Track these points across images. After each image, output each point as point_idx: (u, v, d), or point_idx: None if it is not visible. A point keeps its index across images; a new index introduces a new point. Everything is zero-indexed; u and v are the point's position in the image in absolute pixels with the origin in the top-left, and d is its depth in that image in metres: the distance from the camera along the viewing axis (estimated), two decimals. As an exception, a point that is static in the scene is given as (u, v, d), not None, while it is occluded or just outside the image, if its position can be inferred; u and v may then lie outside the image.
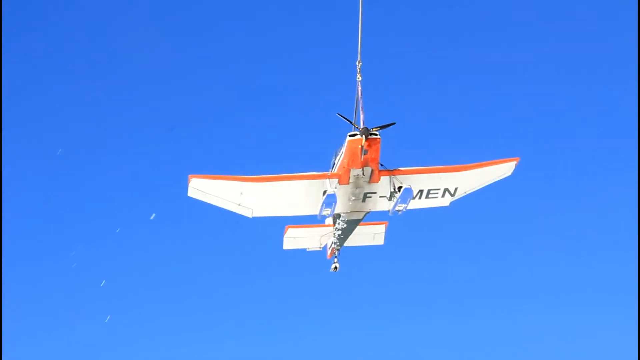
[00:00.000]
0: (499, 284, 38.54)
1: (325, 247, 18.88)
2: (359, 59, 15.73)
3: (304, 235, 18.78)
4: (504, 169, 16.26)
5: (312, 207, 15.48)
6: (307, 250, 19.27)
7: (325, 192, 14.69)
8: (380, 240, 18.93)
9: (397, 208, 15.37)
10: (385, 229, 18.68)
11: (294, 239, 18.92)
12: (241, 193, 15.19)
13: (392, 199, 15.27)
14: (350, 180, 14.77)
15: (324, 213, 15.30)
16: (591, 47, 50.26)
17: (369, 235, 18.63)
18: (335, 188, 14.60)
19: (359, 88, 15.55)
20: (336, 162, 15.03)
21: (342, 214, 16.16)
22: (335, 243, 17.67)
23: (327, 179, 14.84)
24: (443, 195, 15.83)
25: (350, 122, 14.34)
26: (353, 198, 15.44)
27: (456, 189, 15.85)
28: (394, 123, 14.07)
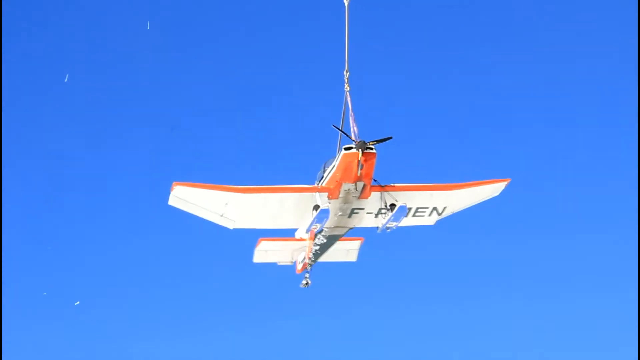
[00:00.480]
0: (471, 309, 36.74)
1: (294, 262, 18.21)
2: (346, 68, 15.41)
3: (276, 248, 17.88)
4: (494, 189, 15.97)
5: (298, 220, 15.01)
6: (278, 264, 18.41)
7: (316, 206, 13.99)
8: (353, 257, 18.22)
9: (388, 225, 14.92)
10: (360, 246, 18.02)
11: (266, 252, 18.00)
12: (226, 204, 14.51)
13: (384, 216, 14.81)
14: (340, 195, 14.19)
15: (312, 228, 14.77)
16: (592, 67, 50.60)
17: (343, 251, 17.78)
18: (329, 203, 13.99)
19: (348, 98, 15.12)
20: (326, 174, 14.38)
21: (324, 229, 15.46)
22: (310, 258, 16.90)
23: (317, 193, 14.14)
24: (430, 214, 15.48)
25: (346, 135, 13.87)
26: (340, 213, 14.88)
27: (445, 208, 15.45)
28: (391, 137, 13.47)
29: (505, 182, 15.85)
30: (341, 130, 14.01)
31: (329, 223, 14.89)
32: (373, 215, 14.94)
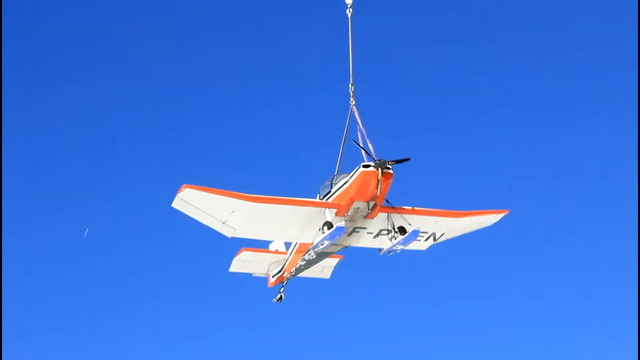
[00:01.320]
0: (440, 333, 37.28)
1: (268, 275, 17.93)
2: (351, 81, 15.17)
3: (256, 260, 17.51)
4: (490, 219, 15.82)
5: (300, 234, 14.47)
6: (253, 275, 17.99)
7: (328, 223, 13.35)
8: (327, 274, 17.72)
9: (395, 247, 14.34)
10: (337, 264, 17.63)
11: (244, 262, 17.61)
12: (233, 211, 13.64)
13: (389, 237, 14.40)
14: (349, 213, 13.59)
15: (321, 245, 14.07)
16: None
17: (319, 268, 17.11)
18: (342, 221, 13.50)
19: (355, 112, 14.96)
20: (334, 190, 13.86)
21: (319, 245, 14.46)
22: (290, 272, 16.54)
23: (327, 209, 13.56)
24: (427, 239, 15.19)
25: (367, 152, 13.46)
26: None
27: (443, 234, 15.22)
28: (409, 159, 13.15)
29: (504, 213, 15.83)
30: (361, 147, 13.65)
31: (319, 239, 14.10)
32: (372, 235, 14.57)
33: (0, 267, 46.07)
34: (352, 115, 14.72)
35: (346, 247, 15.17)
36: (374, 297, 35.42)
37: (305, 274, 16.70)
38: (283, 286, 17.03)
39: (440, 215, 14.55)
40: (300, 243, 15.54)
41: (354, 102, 15.01)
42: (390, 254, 14.66)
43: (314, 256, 15.04)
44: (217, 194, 13.39)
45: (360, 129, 14.39)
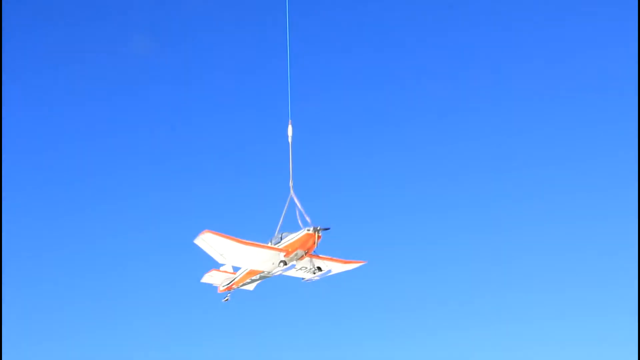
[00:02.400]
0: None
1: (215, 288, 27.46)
2: (291, 184, 24.28)
3: (220, 277, 26.84)
4: (352, 266, 25.31)
5: (262, 264, 23.79)
6: (213, 285, 27.25)
7: (283, 261, 22.81)
8: (251, 288, 26.52)
9: (312, 278, 24.89)
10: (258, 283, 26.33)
11: (211, 277, 26.83)
12: (230, 249, 22.51)
13: (311, 273, 24.56)
14: (290, 255, 22.82)
15: (275, 273, 24.47)
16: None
17: (252, 284, 26.21)
18: (296, 260, 23.17)
19: (295, 198, 23.91)
20: (284, 240, 23.08)
21: (265, 272, 24.51)
22: (239, 285, 26.16)
23: (281, 252, 22.86)
24: (315, 273, 24.63)
25: (309, 223, 22.77)
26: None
27: (329, 271, 24.95)
28: (329, 228, 22.43)
29: (360, 263, 25.51)
30: (309, 227, 22.43)
31: (272, 269, 24.15)
32: (298, 269, 24.27)
33: (0, 267, 48.05)
34: (295, 200, 23.76)
35: (277, 274, 24.81)
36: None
37: (243, 287, 26.26)
38: (229, 293, 26.74)
39: (328, 260, 24.39)
40: (251, 269, 25.03)
41: (292, 189, 24.09)
42: (309, 281, 25.22)
43: (257, 278, 25.43)
44: (227, 239, 22.06)
45: (301, 209, 23.30)
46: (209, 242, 22.12)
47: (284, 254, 22.62)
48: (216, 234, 21.67)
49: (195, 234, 21.60)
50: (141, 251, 57.19)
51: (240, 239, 22.41)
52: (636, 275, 42.82)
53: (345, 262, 24.79)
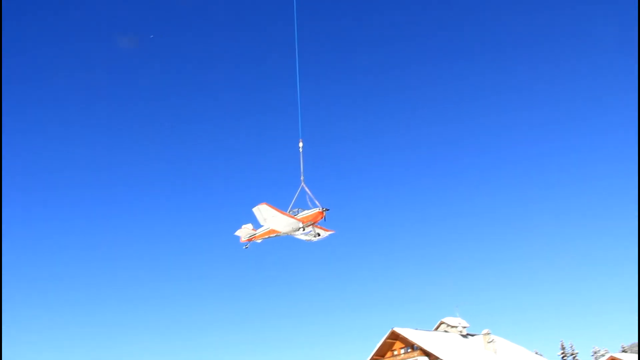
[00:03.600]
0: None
1: (239, 238, 40.70)
2: (302, 175, 36.72)
3: (244, 232, 39.46)
4: (323, 233, 38.35)
5: (286, 229, 36.87)
6: (239, 236, 39.88)
7: (302, 227, 36.42)
8: (259, 240, 40.79)
9: (312, 239, 37.84)
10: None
11: (241, 231, 39.41)
12: (273, 216, 34.89)
13: (314, 235, 37.59)
14: (305, 224, 36.16)
15: (286, 234, 37.26)
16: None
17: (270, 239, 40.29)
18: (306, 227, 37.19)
19: (306, 187, 37.02)
20: (300, 214, 36.47)
21: (281, 233, 37.28)
22: (257, 238, 39.06)
23: (299, 221, 36.12)
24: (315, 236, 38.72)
25: (319, 205, 37.29)
26: (292, 228, 36.55)
27: (328, 235, 38.86)
28: (329, 209, 36.39)
29: (331, 232, 38.48)
30: (320, 207, 37.70)
31: (288, 232, 37.39)
32: (304, 234, 37.67)
33: (0, 267, 56.31)
34: (307, 191, 37.55)
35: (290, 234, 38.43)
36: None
37: (256, 239, 39.81)
38: (248, 243, 39.33)
39: (318, 228, 38.77)
40: (273, 230, 37.53)
41: (303, 181, 37.31)
42: (309, 241, 38.35)
43: (274, 236, 38.04)
44: (273, 209, 35.27)
45: (309, 195, 36.84)
46: (262, 210, 34.40)
47: (302, 223, 36.10)
48: (269, 206, 34.47)
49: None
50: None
51: (281, 210, 35.10)
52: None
53: (326, 230, 37.87)
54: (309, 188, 37.09)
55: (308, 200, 36.91)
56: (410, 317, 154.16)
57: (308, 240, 38.57)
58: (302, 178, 36.92)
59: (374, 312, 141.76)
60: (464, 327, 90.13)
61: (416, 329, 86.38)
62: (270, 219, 35.26)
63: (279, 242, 40.51)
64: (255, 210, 34.93)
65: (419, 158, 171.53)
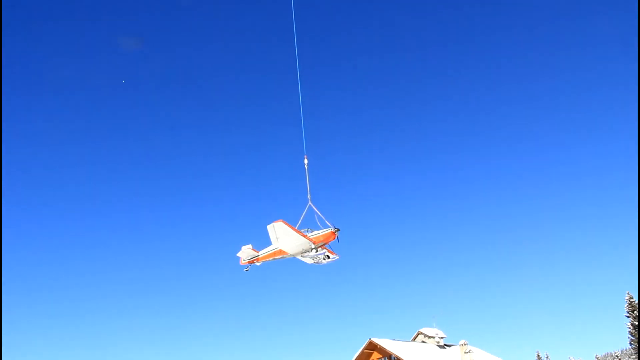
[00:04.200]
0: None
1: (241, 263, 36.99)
2: (308, 193, 33.44)
3: (246, 253, 36.29)
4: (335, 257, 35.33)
5: (296, 250, 33.73)
6: (240, 257, 36.69)
7: (315, 249, 32.97)
8: (259, 263, 37.53)
9: (321, 262, 33.63)
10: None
11: (243, 252, 36.16)
12: (288, 236, 31.26)
13: (323, 258, 33.72)
14: (317, 245, 33.04)
15: (293, 256, 34.11)
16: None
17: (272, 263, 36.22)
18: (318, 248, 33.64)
19: (313, 206, 33.16)
20: (311, 235, 32.97)
21: (289, 254, 33.82)
22: (260, 260, 35.43)
23: (311, 242, 32.83)
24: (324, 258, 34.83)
25: (331, 226, 33.60)
26: (303, 249, 33.18)
27: (335, 258, 35.51)
28: (340, 229, 33.49)
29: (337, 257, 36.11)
30: (332, 227, 33.91)
31: (297, 254, 33.98)
32: (312, 256, 34.03)
33: (0, 266, 56.57)
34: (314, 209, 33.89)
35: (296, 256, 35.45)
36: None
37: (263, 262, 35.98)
38: (249, 266, 35.61)
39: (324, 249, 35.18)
40: (280, 249, 34.13)
41: (310, 200, 33.77)
42: (318, 264, 33.57)
43: (279, 258, 34.18)
44: (288, 227, 31.42)
45: (316, 213, 33.41)
46: (277, 228, 31.44)
47: (314, 244, 33.17)
48: (286, 224, 31.65)
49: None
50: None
51: (296, 229, 32.05)
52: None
53: (332, 253, 34.76)
54: (309, 206, 34.06)
55: (317, 219, 33.97)
56: (387, 327, 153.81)
57: (315, 263, 34.72)
58: (309, 196, 33.72)
59: (351, 322, 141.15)
60: (441, 338, 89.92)
61: (394, 339, 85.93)
62: (284, 238, 31.80)
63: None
64: (269, 227, 31.88)
65: (397, 168, 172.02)
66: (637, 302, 72.39)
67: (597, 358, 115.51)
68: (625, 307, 72.46)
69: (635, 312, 71.53)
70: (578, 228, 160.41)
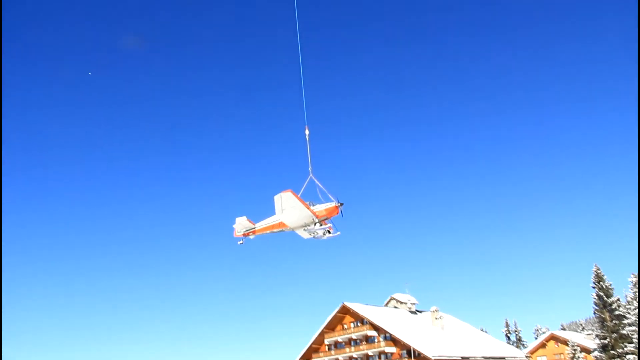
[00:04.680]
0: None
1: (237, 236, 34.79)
2: (309, 164, 32.22)
3: (242, 224, 33.97)
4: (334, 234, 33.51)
5: (297, 224, 32.44)
6: (235, 229, 34.28)
7: (319, 222, 32.04)
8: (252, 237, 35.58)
9: (322, 237, 33.00)
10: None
11: (239, 223, 33.96)
12: (293, 207, 30.50)
13: (323, 233, 32.67)
14: (320, 219, 32.11)
15: (299, 226, 32.70)
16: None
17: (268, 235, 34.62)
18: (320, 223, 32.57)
19: (315, 179, 32.09)
20: (315, 208, 31.80)
21: (289, 227, 32.45)
22: (256, 233, 33.55)
23: (316, 216, 31.84)
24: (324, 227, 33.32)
25: (334, 200, 32.39)
26: (305, 223, 32.17)
27: (336, 233, 33.64)
28: (342, 204, 32.12)
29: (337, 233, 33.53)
30: (335, 202, 32.77)
31: (297, 227, 32.68)
32: (312, 230, 32.96)
33: (0, 266, 54.37)
34: (317, 183, 32.49)
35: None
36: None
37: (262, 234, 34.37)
38: (243, 239, 34.05)
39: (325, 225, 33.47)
40: (280, 222, 32.55)
41: (311, 172, 32.41)
42: (321, 238, 33.03)
43: (277, 231, 33.11)
44: (296, 198, 30.56)
45: (318, 186, 31.98)
46: (284, 198, 30.10)
47: (317, 218, 31.69)
48: (294, 195, 30.42)
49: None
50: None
51: (303, 201, 30.88)
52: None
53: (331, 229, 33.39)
54: (310, 178, 32.40)
55: (319, 193, 31.97)
56: (361, 293, 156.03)
57: (315, 238, 33.44)
58: (310, 169, 32.08)
59: (326, 287, 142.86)
60: (413, 304, 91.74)
61: (366, 304, 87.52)
62: (289, 210, 30.67)
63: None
64: (276, 197, 30.35)
65: (374, 139, 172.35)
66: (603, 274, 74.56)
67: (563, 326, 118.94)
68: (592, 278, 74.52)
69: (600, 283, 73.63)
70: (549, 200, 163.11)
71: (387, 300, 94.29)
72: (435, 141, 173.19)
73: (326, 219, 32.02)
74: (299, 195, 30.91)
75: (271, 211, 32.55)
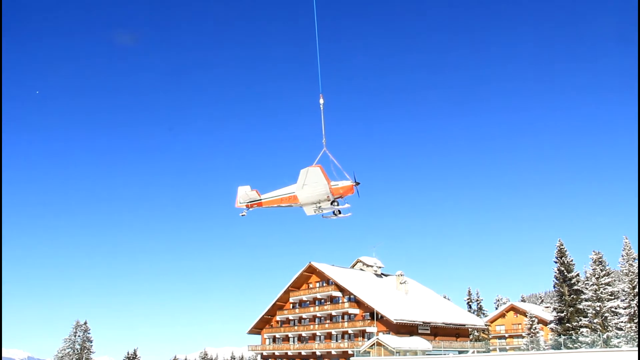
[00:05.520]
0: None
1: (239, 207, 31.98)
2: (324, 137, 29.66)
3: (246, 194, 31.31)
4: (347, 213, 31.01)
5: (311, 199, 30.20)
6: (238, 199, 31.49)
7: (333, 201, 30.03)
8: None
9: (331, 217, 30.91)
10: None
11: (244, 190, 31.28)
12: (315, 182, 28.85)
13: (337, 213, 30.62)
14: (335, 196, 30.18)
15: (311, 202, 30.53)
16: None
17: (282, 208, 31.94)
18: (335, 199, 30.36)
19: (328, 152, 29.52)
20: (331, 185, 29.38)
21: (300, 203, 30.32)
22: (262, 205, 31.00)
23: (332, 194, 29.88)
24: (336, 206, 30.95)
25: (351, 179, 30.15)
26: (319, 200, 30.17)
27: (347, 212, 31.07)
28: (359, 183, 30.02)
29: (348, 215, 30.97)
30: (350, 179, 30.37)
31: (309, 203, 30.60)
32: (323, 209, 30.81)
33: (1, 266, 51.98)
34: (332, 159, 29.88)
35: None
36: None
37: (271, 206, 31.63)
38: (246, 210, 31.20)
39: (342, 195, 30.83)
40: (293, 195, 30.12)
41: (324, 143, 29.76)
42: (327, 218, 31.09)
43: (284, 205, 30.90)
44: (323, 174, 28.64)
45: (333, 162, 29.57)
46: (310, 172, 28.26)
47: (333, 195, 29.80)
48: (322, 171, 28.49)
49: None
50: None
51: (329, 179, 28.84)
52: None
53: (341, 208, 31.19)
54: (324, 152, 29.83)
55: (333, 169, 29.37)
56: (328, 254, 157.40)
57: (324, 216, 30.99)
58: (324, 141, 29.30)
59: (295, 248, 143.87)
60: (379, 267, 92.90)
61: (333, 265, 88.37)
62: (312, 185, 28.55)
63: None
64: (302, 171, 28.13)
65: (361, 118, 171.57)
66: (566, 249, 76.13)
67: (523, 297, 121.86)
68: (555, 252, 76.08)
69: (562, 258, 75.21)
70: (520, 175, 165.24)
71: (354, 262, 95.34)
72: (408, 111, 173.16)
73: (340, 197, 29.95)
74: (324, 171, 28.83)
75: (274, 185, 30.69)
